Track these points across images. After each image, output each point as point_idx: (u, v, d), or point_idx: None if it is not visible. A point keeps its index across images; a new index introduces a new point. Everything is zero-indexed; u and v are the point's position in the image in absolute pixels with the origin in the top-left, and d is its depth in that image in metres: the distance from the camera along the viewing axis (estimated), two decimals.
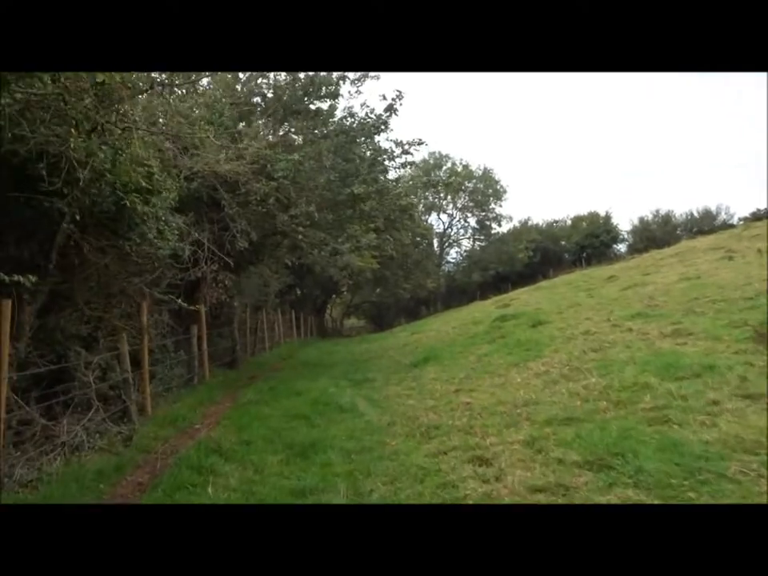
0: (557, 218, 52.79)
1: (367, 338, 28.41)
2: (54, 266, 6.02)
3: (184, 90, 10.57)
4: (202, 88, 11.65)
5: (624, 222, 62.69)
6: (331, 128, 12.95)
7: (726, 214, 43.16)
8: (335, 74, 12.37)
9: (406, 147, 13.46)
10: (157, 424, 7.30)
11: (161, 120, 8.25)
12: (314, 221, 12.16)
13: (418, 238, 37.30)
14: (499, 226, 48.69)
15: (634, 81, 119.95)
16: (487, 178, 48.16)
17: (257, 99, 13.47)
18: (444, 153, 48.38)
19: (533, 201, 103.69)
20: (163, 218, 6.96)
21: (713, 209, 43.96)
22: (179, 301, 8.23)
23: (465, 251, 50.38)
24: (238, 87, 13.17)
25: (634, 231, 46.58)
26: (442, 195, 47.40)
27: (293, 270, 19.32)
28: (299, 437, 6.28)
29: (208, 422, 7.76)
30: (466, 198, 48.54)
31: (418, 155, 34.42)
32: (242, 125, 11.95)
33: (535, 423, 5.65)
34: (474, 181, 48.04)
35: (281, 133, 13.23)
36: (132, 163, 6.03)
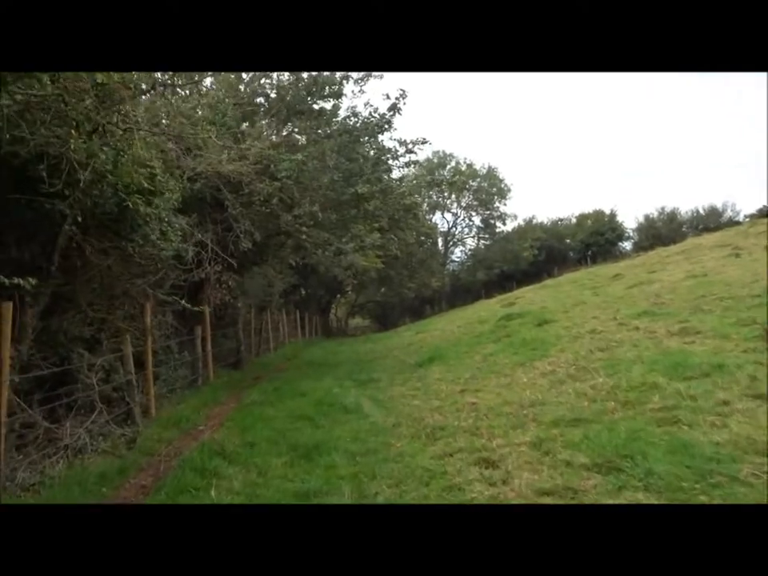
0: (562, 216, 52.60)
1: (372, 337, 28.36)
2: (57, 268, 5.99)
3: (187, 91, 10.54)
4: (205, 89, 11.63)
5: (629, 220, 62.39)
6: (334, 128, 12.90)
7: (731, 211, 43.04)
8: (338, 74, 12.33)
9: (410, 146, 13.42)
10: (161, 426, 7.27)
11: (164, 121, 8.22)
12: (317, 221, 12.13)
13: (423, 238, 37.26)
14: (504, 224, 48.64)
15: (636, 81, 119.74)
16: (491, 176, 48.04)
17: (260, 99, 13.44)
18: (448, 152, 48.53)
19: (537, 199, 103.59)
20: (166, 219, 6.93)
21: (718, 206, 43.80)
22: (183, 302, 8.21)
23: (469, 250, 50.37)
24: (241, 88, 13.14)
25: (640, 229, 46.44)
26: (446, 194, 47.30)
27: (297, 270, 19.31)
28: (303, 438, 6.22)
29: (212, 424, 7.73)
30: (471, 196, 48.43)
31: (422, 154, 34.37)
32: (245, 125, 11.94)
33: (542, 424, 5.57)
34: (479, 179, 47.90)
35: (284, 133, 13.20)
36: (134, 164, 6.00)
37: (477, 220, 49.60)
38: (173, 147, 8.12)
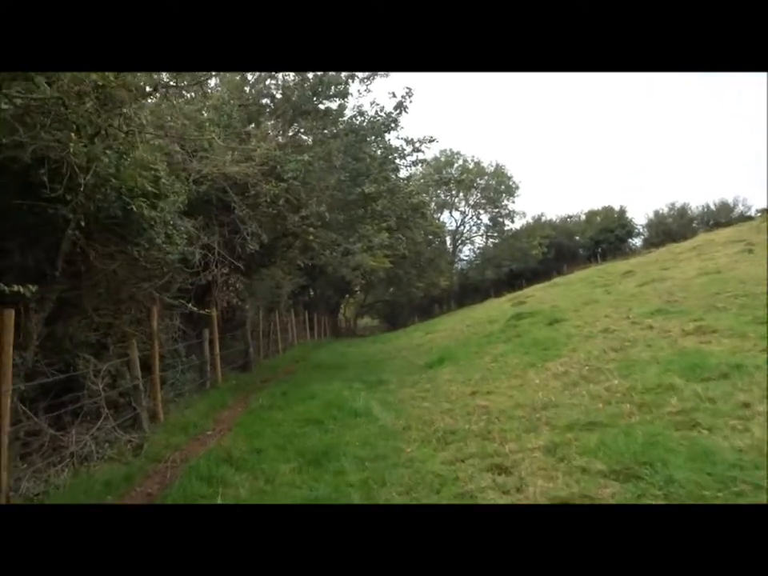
0: (571, 213, 52.38)
1: (381, 337, 28.28)
2: (61, 273, 5.92)
3: (192, 93, 10.47)
4: (209, 90, 11.56)
5: (639, 217, 61.90)
6: (341, 127, 12.81)
7: (743, 205, 42.60)
8: (344, 73, 12.22)
9: (417, 145, 13.35)
10: (168, 431, 7.20)
11: (170, 123, 8.15)
12: (325, 221, 12.06)
13: (431, 236, 37.22)
14: (512, 222, 48.47)
15: (644, 78, 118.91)
16: (499, 174, 47.83)
17: (265, 100, 13.40)
18: (455, 150, 48.38)
19: (546, 196, 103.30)
20: (171, 223, 6.85)
21: (729, 201, 43.33)
22: (190, 305, 8.14)
23: (478, 248, 50.23)
24: (247, 89, 13.08)
25: (650, 225, 46.04)
26: (453, 192, 47.19)
27: (305, 270, 19.24)
28: (312, 443, 6.12)
29: (220, 428, 7.65)
30: (479, 194, 48.29)
31: (429, 153, 34.41)
32: (251, 126, 11.86)
33: (556, 428, 5.43)
34: (486, 177, 47.74)
35: (290, 133, 13.13)
36: (138, 167, 5.92)
37: (485, 218, 49.55)
38: (178, 150, 8.05)
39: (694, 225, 42.35)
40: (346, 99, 12.79)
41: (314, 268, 20.10)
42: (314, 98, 12.46)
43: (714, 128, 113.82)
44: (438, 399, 7.86)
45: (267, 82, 13.11)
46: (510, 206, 48.14)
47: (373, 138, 13.13)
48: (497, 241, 48.39)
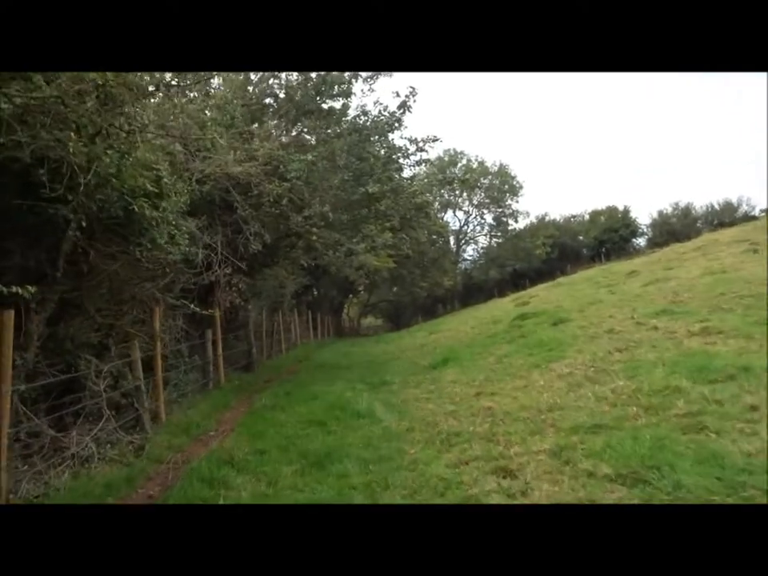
0: (574, 213, 52.09)
1: (384, 337, 28.21)
2: (62, 274, 5.88)
3: (195, 93, 10.44)
4: (212, 90, 11.52)
5: (642, 216, 61.64)
6: (344, 127, 12.75)
7: (747, 205, 42.31)
8: (347, 73, 12.16)
9: (421, 144, 13.26)
10: (170, 432, 7.15)
11: (172, 123, 8.11)
12: (328, 221, 12.00)
13: (434, 236, 37.12)
14: (516, 222, 48.24)
15: (648, 78, 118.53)
16: (503, 173, 47.69)
17: (269, 100, 13.34)
18: (459, 149, 48.12)
19: (550, 196, 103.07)
20: (174, 223, 6.80)
21: (733, 201, 43.10)
22: (193, 305, 8.11)
23: (481, 248, 50.06)
24: (250, 89, 13.04)
25: (654, 225, 45.80)
26: (457, 192, 47.06)
27: (309, 270, 19.17)
28: (315, 445, 6.08)
29: (222, 429, 7.61)
30: (482, 194, 48.13)
31: (433, 152, 34.31)
32: (254, 126, 11.81)
33: (561, 431, 5.37)
34: (490, 177, 47.59)
35: (293, 133, 13.08)
36: (139, 167, 5.88)
37: (489, 218, 49.37)
38: (180, 149, 8.01)
39: (698, 224, 42.13)
40: (349, 99, 12.72)
41: (318, 268, 20.02)
42: (318, 98, 12.40)
43: (714, 128, 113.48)
44: (441, 400, 7.81)
45: (270, 82, 13.06)
46: (514, 206, 48.00)
47: (376, 137, 13.06)
48: (500, 241, 48.20)
